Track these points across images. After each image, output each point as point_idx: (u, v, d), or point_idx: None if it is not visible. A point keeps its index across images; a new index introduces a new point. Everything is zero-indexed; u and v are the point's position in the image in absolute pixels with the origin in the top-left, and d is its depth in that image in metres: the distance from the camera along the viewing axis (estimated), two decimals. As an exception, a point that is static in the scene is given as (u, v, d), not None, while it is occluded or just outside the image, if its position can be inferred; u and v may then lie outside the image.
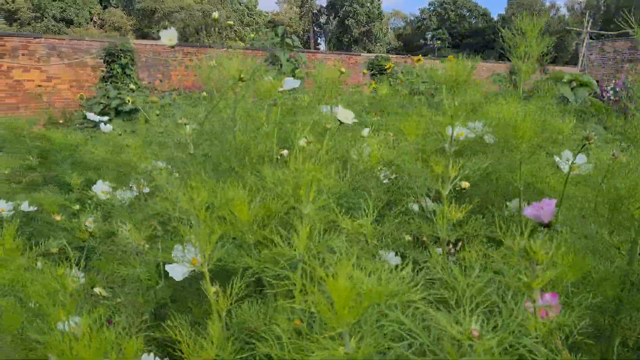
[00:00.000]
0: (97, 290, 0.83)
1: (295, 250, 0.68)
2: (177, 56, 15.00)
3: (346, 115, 1.28)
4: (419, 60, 4.61)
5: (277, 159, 1.14)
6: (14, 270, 0.94)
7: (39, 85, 11.66)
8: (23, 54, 12.08)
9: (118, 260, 1.09)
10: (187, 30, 33.68)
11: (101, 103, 6.90)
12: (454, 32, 51.00)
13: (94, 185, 1.97)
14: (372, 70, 11.97)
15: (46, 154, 2.42)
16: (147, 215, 1.02)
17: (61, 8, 29.22)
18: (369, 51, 32.36)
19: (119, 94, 7.00)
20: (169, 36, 1.17)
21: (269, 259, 0.76)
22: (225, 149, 1.01)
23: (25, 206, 1.86)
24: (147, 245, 1.02)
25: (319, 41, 50.90)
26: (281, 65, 4.86)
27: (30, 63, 12.26)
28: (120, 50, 8.34)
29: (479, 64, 1.22)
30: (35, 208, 1.90)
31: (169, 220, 1.03)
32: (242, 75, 0.96)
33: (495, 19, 49.09)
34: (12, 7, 29.18)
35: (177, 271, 0.94)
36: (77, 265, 1.15)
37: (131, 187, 1.93)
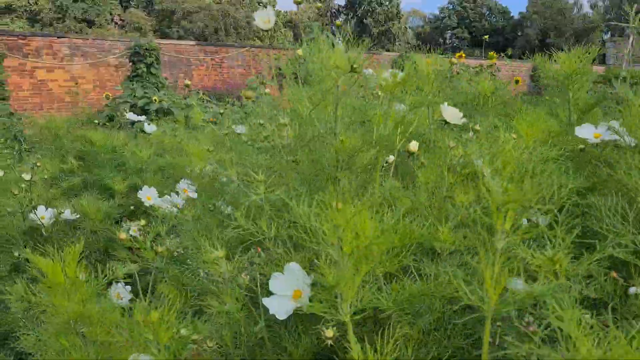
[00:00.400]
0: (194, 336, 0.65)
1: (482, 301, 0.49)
2: (199, 55, 14.93)
3: (453, 114, 1.08)
4: (461, 56, 4.38)
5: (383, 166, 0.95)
6: (79, 302, 0.77)
7: (76, 83, 11.70)
8: (47, 54, 12.09)
9: (197, 288, 0.91)
10: (206, 30, 33.73)
11: (128, 102, 6.79)
12: (474, 31, 50.48)
13: (140, 191, 1.81)
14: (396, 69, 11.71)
15: (86, 155, 2.27)
16: (229, 235, 0.84)
17: (83, 9, 29.45)
18: (387, 50, 32.10)
19: (146, 93, 6.88)
20: (264, 17, 0.98)
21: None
22: (328, 155, 0.83)
23: (67, 214, 1.70)
24: (230, 268, 0.84)
25: (337, 41, 50.58)
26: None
27: (54, 63, 12.27)
28: (146, 49, 8.23)
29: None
30: (77, 216, 1.74)
31: (260, 243, 0.84)
32: (354, 66, 0.77)
33: (516, 17, 48.41)
34: (35, 9, 29.48)
35: (279, 308, 0.75)
36: (144, 293, 0.97)
37: (181, 192, 1.76)
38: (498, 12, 49.43)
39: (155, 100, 6.75)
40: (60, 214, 1.71)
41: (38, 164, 1.71)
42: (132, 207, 1.91)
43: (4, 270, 1.59)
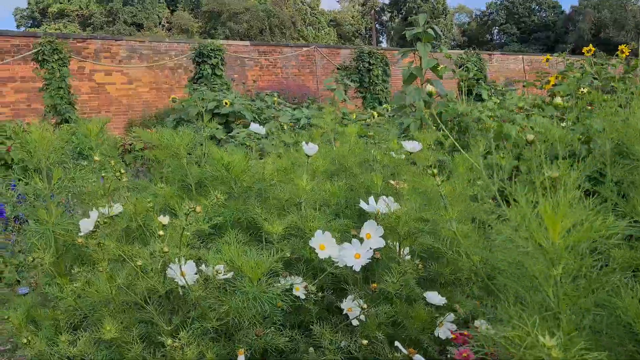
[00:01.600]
0: None
1: None
2: (253, 56, 14.62)
3: None
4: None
5: None
6: None
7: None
8: (105, 57, 12.00)
9: None
10: (251, 31, 33.66)
11: (196, 105, 6.43)
12: (522, 27, 48.79)
13: (312, 240, 1.36)
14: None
15: (209, 182, 1.81)
16: None
17: (132, 13, 29.85)
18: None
19: (215, 96, 6.51)
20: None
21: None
22: None
23: (221, 270, 1.25)
24: None
25: (380, 39, 49.96)
26: (420, 60, 4.14)
27: (111, 65, 12.16)
28: (211, 49, 7.89)
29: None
30: (230, 273, 1.28)
31: None
32: None
33: (568, 11, 46.49)
34: (86, 13, 30.07)
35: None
36: None
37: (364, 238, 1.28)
38: (548, 7, 47.61)
39: (226, 103, 6.39)
40: (217, 273, 1.25)
41: (197, 209, 1.26)
42: (288, 255, 1.43)
43: None
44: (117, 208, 1.57)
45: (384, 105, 8.07)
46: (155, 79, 13.01)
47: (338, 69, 11.96)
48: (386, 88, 11.18)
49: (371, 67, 10.98)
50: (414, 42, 4.41)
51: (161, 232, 1.31)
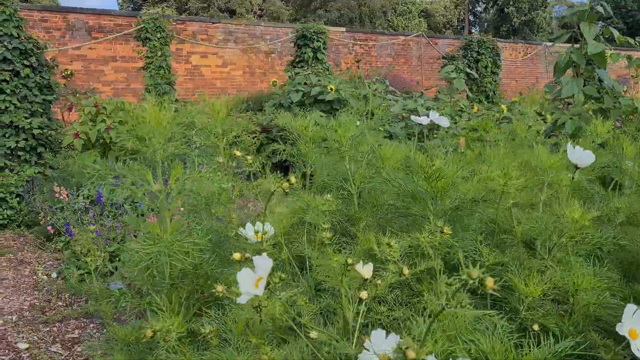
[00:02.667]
0: None
1: None
2: (348, 42, 14.05)
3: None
4: None
5: None
6: None
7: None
8: (202, 39, 11.90)
9: None
10: (341, 19, 33.11)
11: (299, 90, 5.96)
12: (630, 21, 44.65)
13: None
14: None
15: (384, 194, 1.24)
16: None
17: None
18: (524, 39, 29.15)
19: (319, 81, 5.99)
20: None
21: None
22: None
23: None
24: None
25: (473, 31, 47.68)
26: (585, 43, 3.35)
27: (208, 48, 12.06)
28: (314, 32, 7.39)
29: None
30: None
31: None
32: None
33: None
34: (184, -1, 30.87)
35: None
36: None
37: None
38: (665, 1, 43.24)
39: (331, 89, 5.85)
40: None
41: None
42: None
43: None
44: (267, 229, 1.04)
45: (496, 101, 7.23)
46: (249, 63, 12.80)
47: (443, 57, 11.10)
48: (495, 81, 10.19)
49: (480, 58, 10.05)
50: (571, 24, 3.61)
51: (364, 296, 0.75)
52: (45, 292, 3.49)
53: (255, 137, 6.70)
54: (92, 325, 2.99)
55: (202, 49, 12.01)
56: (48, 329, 2.95)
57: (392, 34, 15.77)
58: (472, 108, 5.88)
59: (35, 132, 5.33)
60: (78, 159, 5.09)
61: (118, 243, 3.89)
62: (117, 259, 3.76)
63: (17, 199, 5.14)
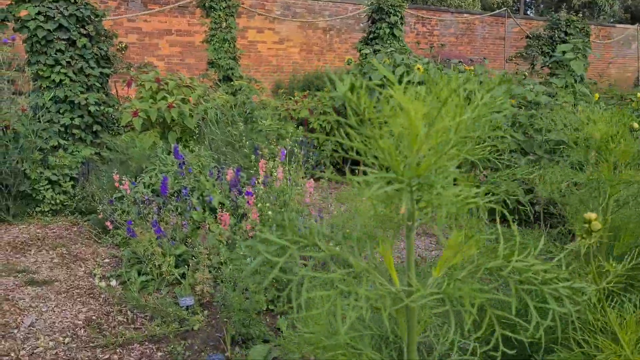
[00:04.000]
0: None
1: None
2: (409, 20, 13.13)
3: None
4: None
5: None
6: None
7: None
8: (259, 14, 11.25)
9: None
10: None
11: (376, 70, 5.25)
12: None
13: None
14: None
15: None
16: None
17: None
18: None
19: (402, 60, 5.24)
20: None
21: None
22: None
23: None
24: None
25: (527, 12, 45.20)
26: None
27: (264, 23, 11.42)
28: (391, 5, 6.61)
29: None
30: None
31: None
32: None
33: None
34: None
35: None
36: None
37: None
38: None
39: (418, 69, 5.11)
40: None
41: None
42: None
43: None
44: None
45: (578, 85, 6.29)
46: (306, 39, 12.09)
47: (528, 37, 10.08)
48: (584, 65, 9.12)
49: (567, 39, 9.01)
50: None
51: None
52: (103, 301, 2.96)
53: (325, 120, 6.04)
54: (159, 354, 2.43)
55: (258, 24, 11.37)
56: (108, 356, 2.40)
57: (459, 12, 14.72)
58: (593, 96, 5.04)
59: (92, 108, 4.82)
60: (138, 140, 4.55)
61: (185, 245, 3.31)
62: (184, 263, 3.19)
63: (72, 182, 4.66)
